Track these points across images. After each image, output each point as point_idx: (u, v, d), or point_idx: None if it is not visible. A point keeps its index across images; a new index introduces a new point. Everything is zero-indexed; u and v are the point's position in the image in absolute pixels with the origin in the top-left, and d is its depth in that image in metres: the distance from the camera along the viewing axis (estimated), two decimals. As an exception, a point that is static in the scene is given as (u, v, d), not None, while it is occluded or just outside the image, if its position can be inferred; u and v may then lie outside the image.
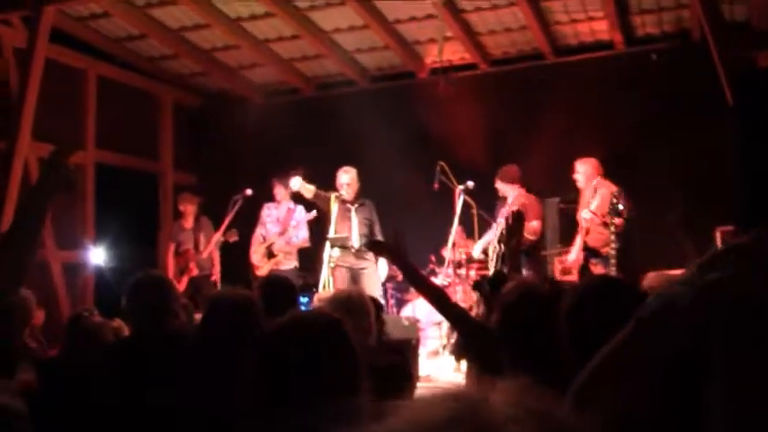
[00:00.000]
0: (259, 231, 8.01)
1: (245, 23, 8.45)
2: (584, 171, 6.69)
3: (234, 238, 8.06)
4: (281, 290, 3.63)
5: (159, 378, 2.77)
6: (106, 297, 7.83)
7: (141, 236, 8.61)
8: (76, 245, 8.13)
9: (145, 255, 8.62)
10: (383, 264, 7.29)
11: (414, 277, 3.51)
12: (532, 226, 6.82)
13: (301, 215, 7.95)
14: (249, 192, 7.99)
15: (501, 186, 7.04)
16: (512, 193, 6.96)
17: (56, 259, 7.94)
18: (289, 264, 7.83)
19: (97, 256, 8.06)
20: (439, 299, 3.35)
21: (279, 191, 7.96)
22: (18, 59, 7.55)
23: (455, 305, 3.59)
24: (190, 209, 8.30)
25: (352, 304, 3.26)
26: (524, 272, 6.62)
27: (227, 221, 7.97)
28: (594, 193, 6.56)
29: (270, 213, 8.03)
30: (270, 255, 7.87)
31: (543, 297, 3.25)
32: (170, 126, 9.86)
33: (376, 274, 7.40)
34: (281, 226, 7.95)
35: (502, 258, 6.92)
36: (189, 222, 8.29)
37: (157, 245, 9.28)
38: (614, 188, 6.25)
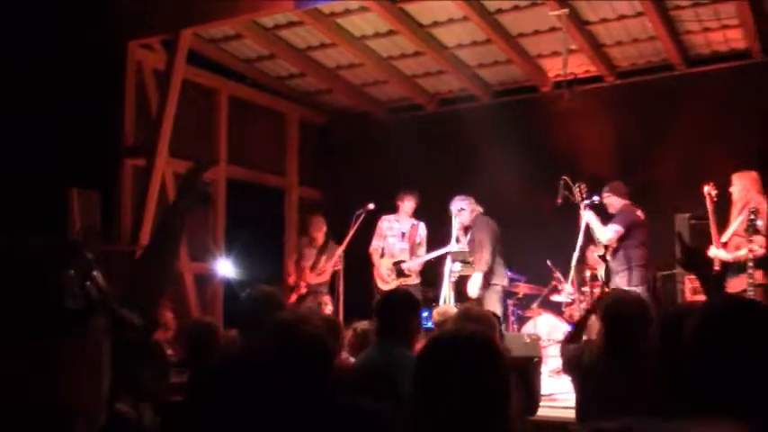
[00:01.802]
0: (377, 243, 8.06)
1: (368, 41, 8.60)
2: (743, 185, 6.38)
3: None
4: (406, 305, 3.60)
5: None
6: (233, 307, 8.15)
7: (267, 249, 8.89)
8: (207, 257, 8.46)
9: (271, 268, 8.89)
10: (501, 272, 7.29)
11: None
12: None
13: (424, 232, 7.98)
14: (371, 206, 8.07)
15: (612, 201, 6.88)
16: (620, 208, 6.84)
17: (188, 270, 8.30)
18: (414, 280, 7.88)
19: (226, 267, 8.37)
20: None
21: (407, 204, 7.99)
22: (157, 81, 7.98)
23: None
24: (323, 229, 8.49)
25: (480, 318, 3.23)
26: (638, 289, 6.41)
27: (350, 235, 8.10)
28: (743, 208, 6.24)
29: (391, 227, 8.06)
30: (399, 273, 7.91)
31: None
32: (296, 142, 10.15)
33: (496, 291, 7.35)
34: (407, 242, 7.98)
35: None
36: (318, 241, 8.45)
37: (283, 258, 9.55)
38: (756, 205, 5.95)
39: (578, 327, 3.45)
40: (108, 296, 1.13)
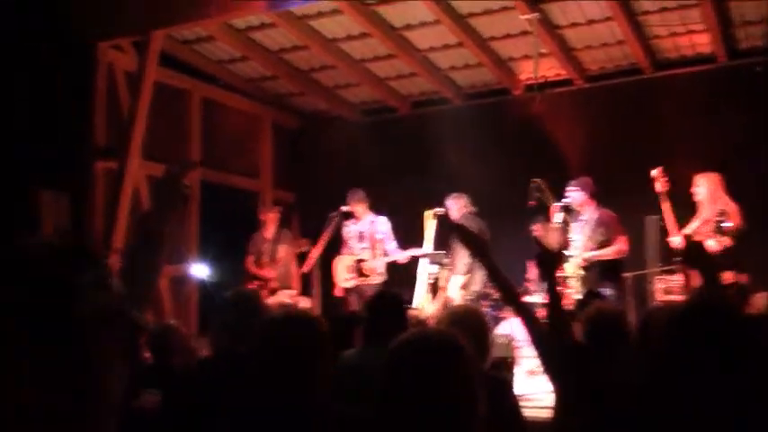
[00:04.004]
0: (343, 250, 8.03)
1: (341, 44, 8.62)
2: (709, 186, 6.50)
3: (305, 247, 8.10)
4: (391, 307, 3.58)
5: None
6: (208, 310, 8.12)
7: (241, 252, 8.85)
8: (181, 259, 8.41)
9: (245, 270, 8.85)
10: (479, 277, 7.27)
11: (495, 275, 3.35)
12: (618, 247, 6.72)
13: (386, 226, 7.92)
14: (345, 208, 8.08)
15: (578, 197, 6.94)
16: (587, 207, 6.92)
17: (163, 273, 8.24)
18: (375, 279, 7.79)
19: (200, 270, 8.33)
20: (512, 295, 3.30)
21: (356, 208, 7.95)
22: (128, 82, 7.91)
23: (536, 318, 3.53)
24: (271, 217, 8.42)
25: (473, 323, 3.18)
26: (609, 292, 6.51)
27: (324, 238, 8.09)
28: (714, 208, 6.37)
29: (349, 230, 8.03)
30: (359, 271, 7.86)
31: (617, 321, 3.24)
32: (270, 145, 10.13)
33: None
34: (368, 241, 7.93)
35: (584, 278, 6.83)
36: (269, 233, 8.38)
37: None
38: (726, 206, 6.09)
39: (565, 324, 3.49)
40: (123, 300, 1.15)
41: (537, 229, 7.15)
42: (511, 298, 3.36)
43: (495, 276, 3.26)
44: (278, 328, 2.40)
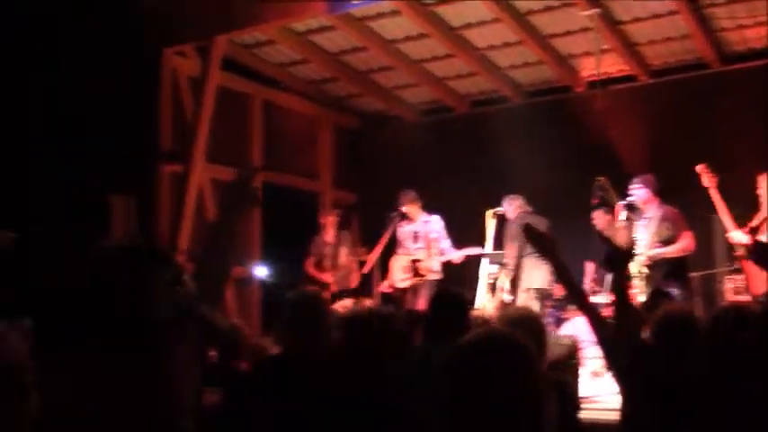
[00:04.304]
0: (398, 250, 8.05)
1: (399, 45, 8.64)
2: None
3: (363, 256, 8.14)
4: (454, 306, 3.58)
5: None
6: (270, 311, 8.22)
7: (302, 253, 8.94)
8: (245, 261, 8.53)
9: (305, 272, 8.94)
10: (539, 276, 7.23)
11: (562, 274, 3.35)
12: (684, 244, 6.57)
13: (439, 224, 7.91)
14: (404, 208, 8.08)
15: (641, 194, 6.80)
16: (651, 205, 6.78)
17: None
18: (432, 278, 7.79)
19: (262, 271, 8.44)
20: (579, 295, 3.28)
21: (409, 208, 7.96)
22: (192, 87, 8.07)
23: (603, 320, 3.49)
24: (330, 221, 8.46)
25: (530, 324, 3.17)
26: (675, 291, 6.37)
27: (384, 238, 8.11)
28: None
29: (403, 231, 8.03)
30: (415, 270, 7.87)
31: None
32: (330, 146, 10.20)
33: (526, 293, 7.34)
34: (422, 241, 7.93)
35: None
36: (330, 236, 8.42)
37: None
38: None
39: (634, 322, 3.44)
40: (198, 302, 1.17)
41: (597, 218, 7.05)
42: (577, 297, 3.34)
43: (561, 275, 3.24)
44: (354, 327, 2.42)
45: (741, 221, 6.35)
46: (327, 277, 8.20)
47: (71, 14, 7.06)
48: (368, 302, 7.82)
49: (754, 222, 6.28)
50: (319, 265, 8.34)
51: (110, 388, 1.09)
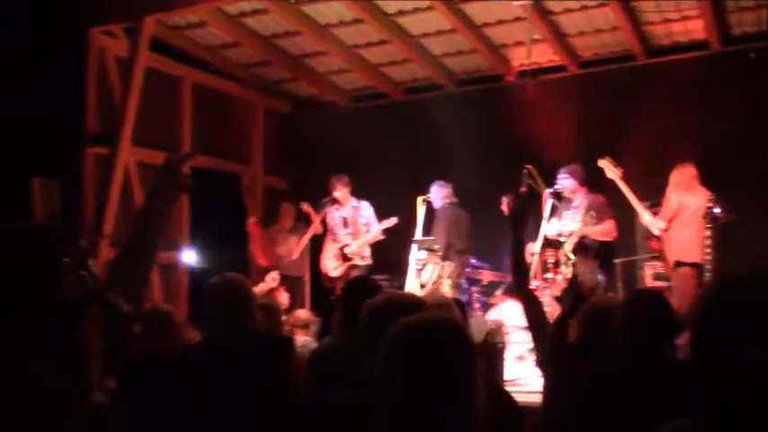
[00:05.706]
0: (328, 238, 8.12)
1: (333, 29, 8.59)
2: (673, 180, 6.59)
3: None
4: (365, 292, 3.57)
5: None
6: (198, 297, 8.09)
7: (232, 238, 8.85)
8: (172, 246, 8.40)
9: (236, 256, 8.84)
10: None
11: (518, 252, 3.47)
12: (605, 227, 6.76)
13: (368, 210, 7.99)
14: (336, 194, 8.09)
15: (568, 184, 6.98)
16: (578, 194, 6.98)
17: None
18: (360, 262, 7.93)
19: (190, 257, 8.32)
20: (523, 278, 3.43)
21: (339, 192, 8.02)
22: (119, 68, 7.87)
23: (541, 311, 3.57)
24: (288, 221, 8.65)
25: (441, 304, 3.25)
26: (599, 278, 6.56)
27: (314, 224, 8.10)
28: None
29: (333, 217, 8.11)
30: (344, 257, 7.94)
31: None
32: (261, 131, 10.10)
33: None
34: (351, 227, 8.00)
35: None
36: (287, 224, 8.60)
37: (247, 247, 9.52)
38: (708, 193, 6.10)
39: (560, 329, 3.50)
40: (101, 284, 1.15)
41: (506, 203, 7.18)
42: (520, 278, 3.49)
43: (517, 252, 3.42)
44: None
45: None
46: (263, 260, 8.26)
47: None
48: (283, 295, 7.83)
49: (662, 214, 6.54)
50: (266, 251, 8.33)
51: (16, 365, 1.07)
